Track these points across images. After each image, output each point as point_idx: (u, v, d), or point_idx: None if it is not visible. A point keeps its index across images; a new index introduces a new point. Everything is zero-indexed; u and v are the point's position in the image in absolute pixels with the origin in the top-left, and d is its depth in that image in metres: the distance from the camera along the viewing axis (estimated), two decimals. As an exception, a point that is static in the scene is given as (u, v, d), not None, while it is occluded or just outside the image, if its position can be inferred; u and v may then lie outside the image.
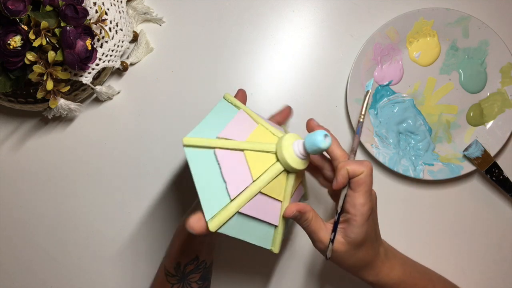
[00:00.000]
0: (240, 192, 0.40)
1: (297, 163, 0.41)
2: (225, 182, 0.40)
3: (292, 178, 0.43)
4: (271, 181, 0.41)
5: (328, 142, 0.39)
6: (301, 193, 0.48)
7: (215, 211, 0.40)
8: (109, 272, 0.62)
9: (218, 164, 0.40)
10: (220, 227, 0.40)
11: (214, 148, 0.40)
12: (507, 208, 0.63)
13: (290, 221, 0.55)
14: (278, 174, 0.41)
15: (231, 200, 0.40)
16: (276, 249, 0.45)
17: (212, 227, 0.39)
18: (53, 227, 0.62)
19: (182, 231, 0.52)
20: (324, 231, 0.44)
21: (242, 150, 0.41)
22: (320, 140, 0.39)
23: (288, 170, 0.42)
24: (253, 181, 0.41)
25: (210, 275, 0.55)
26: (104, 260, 0.62)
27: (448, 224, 0.63)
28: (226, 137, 0.41)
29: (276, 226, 0.44)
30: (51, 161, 0.62)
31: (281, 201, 0.43)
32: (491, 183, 0.62)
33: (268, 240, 0.44)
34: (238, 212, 0.40)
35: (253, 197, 0.41)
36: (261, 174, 0.41)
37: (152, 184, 0.62)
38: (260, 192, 0.41)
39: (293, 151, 0.41)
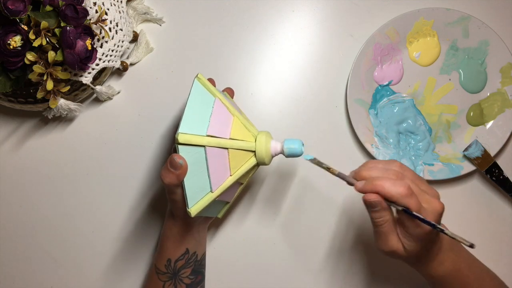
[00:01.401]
0: (220, 185, 0.48)
1: (269, 160, 0.49)
2: (209, 176, 0.47)
3: (256, 168, 0.50)
4: (244, 172, 0.48)
5: (302, 150, 0.47)
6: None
7: (196, 201, 0.47)
8: (109, 272, 0.62)
9: (206, 160, 0.46)
10: (198, 212, 0.47)
11: (204, 146, 0.46)
12: (507, 208, 0.63)
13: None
14: (251, 167, 0.48)
15: (211, 191, 0.47)
16: (221, 216, 0.56)
17: (193, 213, 0.46)
18: (53, 227, 0.62)
19: (169, 227, 0.52)
20: (394, 235, 0.43)
21: (226, 148, 0.47)
22: (299, 148, 0.47)
23: (259, 163, 0.49)
24: (231, 175, 0.48)
25: (203, 269, 0.55)
26: (104, 260, 0.62)
27: (448, 224, 0.63)
28: (214, 135, 0.46)
29: (227, 202, 0.54)
30: (51, 161, 0.62)
31: (242, 183, 0.53)
32: (491, 183, 0.62)
33: (219, 211, 0.55)
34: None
35: (227, 187, 0.48)
36: (238, 169, 0.48)
37: (152, 184, 0.62)
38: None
39: (269, 150, 0.48)
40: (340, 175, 0.45)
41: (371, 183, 0.42)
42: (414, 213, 0.41)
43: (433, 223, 0.41)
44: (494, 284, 0.50)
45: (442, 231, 0.42)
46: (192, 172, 0.46)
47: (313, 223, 0.62)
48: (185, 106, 0.46)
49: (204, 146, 0.45)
